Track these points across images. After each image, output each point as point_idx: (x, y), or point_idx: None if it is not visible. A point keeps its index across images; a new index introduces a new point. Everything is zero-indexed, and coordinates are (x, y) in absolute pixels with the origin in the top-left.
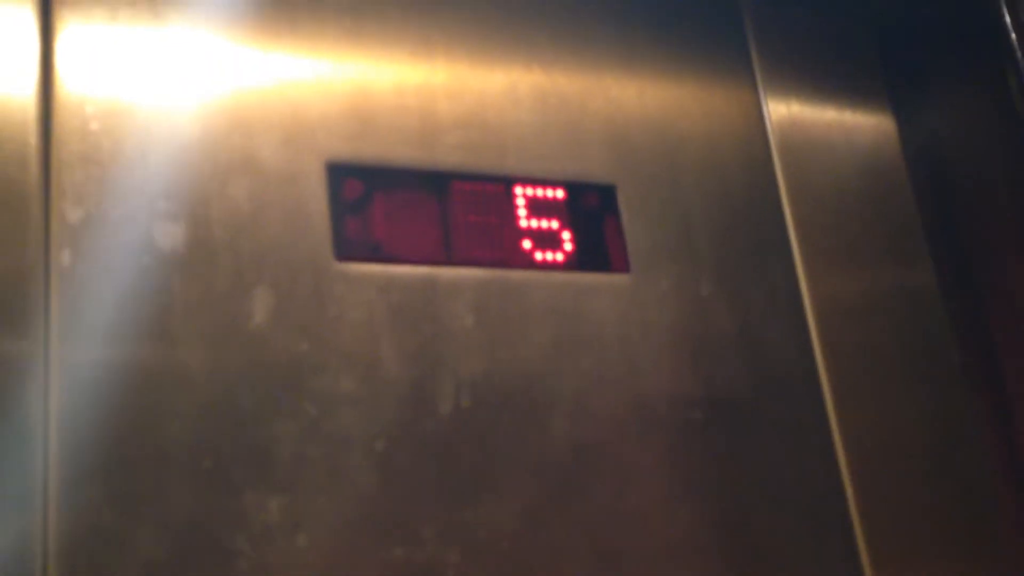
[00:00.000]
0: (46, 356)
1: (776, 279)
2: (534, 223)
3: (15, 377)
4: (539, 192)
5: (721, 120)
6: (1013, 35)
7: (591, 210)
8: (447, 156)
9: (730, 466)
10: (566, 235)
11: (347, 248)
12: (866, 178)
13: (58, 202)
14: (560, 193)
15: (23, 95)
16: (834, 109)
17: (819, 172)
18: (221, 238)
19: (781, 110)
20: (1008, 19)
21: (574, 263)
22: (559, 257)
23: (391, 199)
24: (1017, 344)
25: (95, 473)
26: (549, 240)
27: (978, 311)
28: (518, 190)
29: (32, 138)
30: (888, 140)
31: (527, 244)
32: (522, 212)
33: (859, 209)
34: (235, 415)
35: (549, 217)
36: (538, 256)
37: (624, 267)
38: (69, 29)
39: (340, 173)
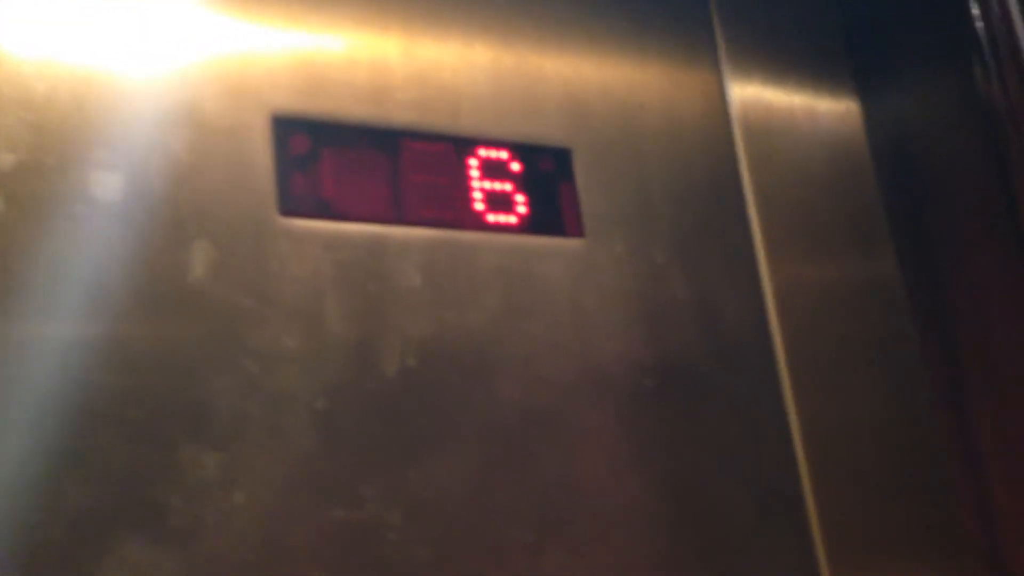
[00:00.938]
0: None
1: (734, 253)
2: (487, 184)
3: None
4: (492, 154)
5: (682, 95)
6: (979, 23)
7: (545, 173)
8: (399, 114)
9: (682, 435)
10: (519, 198)
11: (293, 204)
12: (830, 161)
13: None
14: (513, 155)
15: None
16: (798, 92)
17: (782, 153)
18: (160, 189)
19: (745, 90)
20: (974, 6)
21: (527, 226)
22: (512, 220)
23: (340, 156)
24: (977, 333)
25: (22, 428)
26: (502, 202)
27: (939, 299)
28: (471, 151)
29: None
30: (853, 125)
31: (479, 206)
32: (474, 173)
33: (822, 192)
34: (171, 369)
35: (502, 179)
36: (490, 218)
37: (578, 231)
38: None
39: (286, 127)
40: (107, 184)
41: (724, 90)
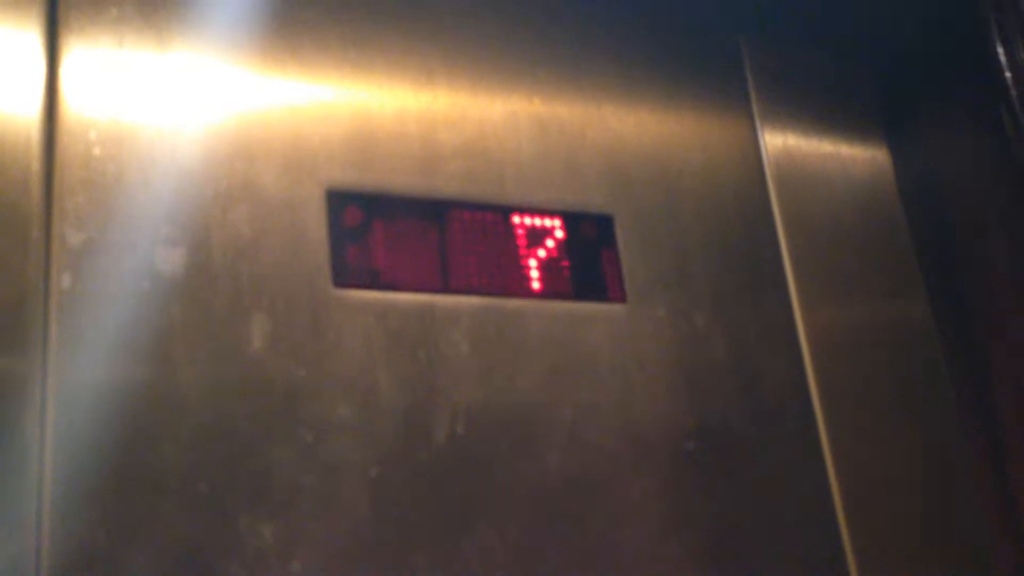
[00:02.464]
0: (43, 378)
1: (771, 310)
2: (532, 251)
3: (13, 398)
4: (537, 221)
5: (718, 152)
6: (1008, 73)
7: (588, 240)
8: (447, 184)
9: (723, 497)
10: (563, 264)
11: (346, 274)
12: (862, 211)
13: (59, 226)
14: (558, 223)
15: (27, 118)
16: (830, 143)
17: (815, 204)
18: (220, 263)
19: (777, 142)
20: (1002, 56)
21: (571, 292)
22: (556, 286)
23: (391, 227)
24: (1011, 377)
25: (90, 496)
26: (547, 269)
27: (972, 344)
28: (516, 219)
29: (35, 162)
30: (883, 174)
31: (525, 273)
32: (520, 241)
33: (855, 242)
34: (231, 440)
35: (547, 246)
36: (535, 285)
37: (620, 297)
38: (75, 53)
39: (340, 200)
40: (172, 259)
41: (758, 144)
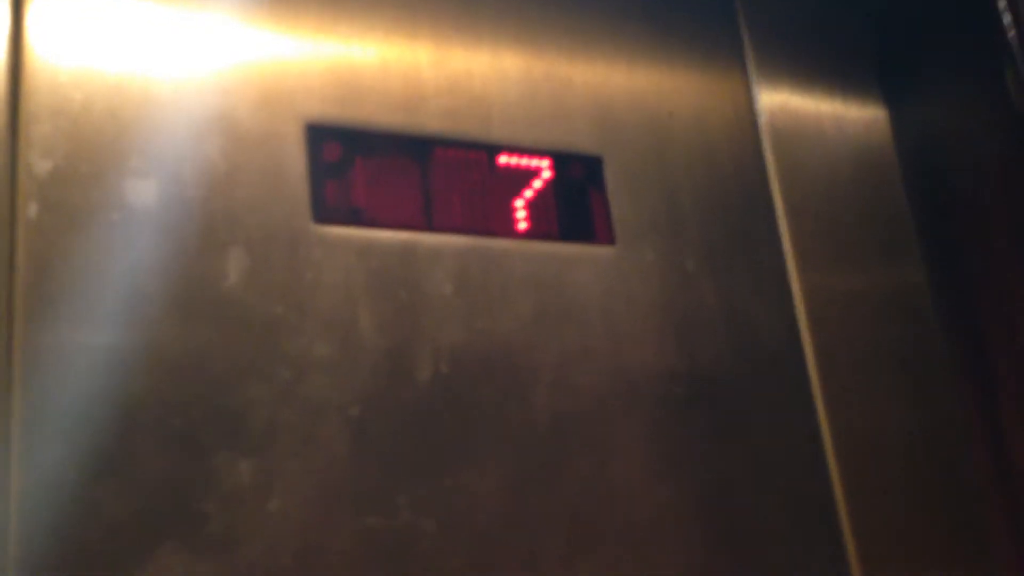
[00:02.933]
0: (9, 309)
1: (763, 261)
2: (518, 192)
3: None
4: (524, 161)
5: (711, 103)
6: (1012, 30)
7: (576, 181)
8: (430, 122)
9: (712, 443)
10: (551, 205)
11: (326, 211)
12: (858, 169)
13: (25, 154)
14: (546, 163)
15: None
16: (826, 99)
17: (810, 160)
18: (194, 196)
19: (772, 97)
20: (1006, 15)
21: (558, 233)
22: (543, 227)
23: (372, 164)
24: (1006, 340)
25: (58, 432)
26: (533, 210)
27: (967, 306)
28: (503, 159)
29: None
30: (880, 132)
31: (510, 213)
32: (506, 181)
33: (850, 199)
34: (206, 377)
35: (534, 187)
36: (521, 225)
37: (609, 239)
38: None
39: (320, 135)
40: (142, 191)
41: (752, 98)
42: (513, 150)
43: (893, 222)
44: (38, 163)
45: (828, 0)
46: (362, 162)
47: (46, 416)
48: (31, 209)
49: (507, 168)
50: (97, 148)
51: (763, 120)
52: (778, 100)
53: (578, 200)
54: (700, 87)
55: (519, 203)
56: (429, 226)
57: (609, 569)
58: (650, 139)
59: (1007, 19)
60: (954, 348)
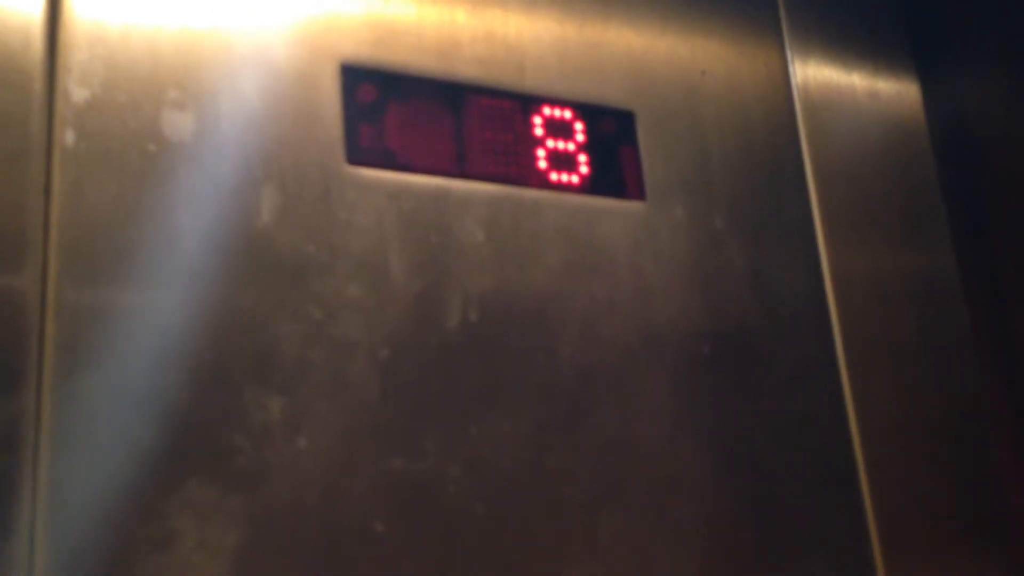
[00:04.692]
0: (45, 235)
1: (792, 226)
2: (550, 143)
3: (11, 255)
4: (556, 112)
5: (745, 65)
6: None
7: (608, 135)
8: (464, 68)
9: (736, 403)
10: (582, 158)
11: (359, 153)
12: (889, 140)
13: (63, 81)
14: (578, 116)
15: None
16: (859, 69)
17: (841, 129)
18: (229, 132)
19: (807, 64)
20: None
21: (589, 186)
22: (574, 179)
23: (406, 107)
24: None
25: (89, 360)
26: (565, 161)
27: (995, 285)
28: (535, 109)
29: (38, 14)
30: (912, 104)
31: (542, 164)
32: (538, 131)
33: (880, 170)
34: (237, 312)
35: (566, 138)
36: (553, 176)
37: (639, 194)
38: None
39: (355, 76)
40: (178, 124)
41: (787, 64)
42: (546, 101)
43: (922, 194)
44: (75, 91)
45: None
46: (396, 105)
47: (78, 343)
48: (68, 136)
49: (539, 119)
50: (134, 78)
51: (797, 86)
52: (812, 67)
53: (609, 155)
54: (734, 49)
55: (551, 155)
56: (461, 172)
57: (631, 519)
58: (683, 96)
59: None
60: (979, 323)
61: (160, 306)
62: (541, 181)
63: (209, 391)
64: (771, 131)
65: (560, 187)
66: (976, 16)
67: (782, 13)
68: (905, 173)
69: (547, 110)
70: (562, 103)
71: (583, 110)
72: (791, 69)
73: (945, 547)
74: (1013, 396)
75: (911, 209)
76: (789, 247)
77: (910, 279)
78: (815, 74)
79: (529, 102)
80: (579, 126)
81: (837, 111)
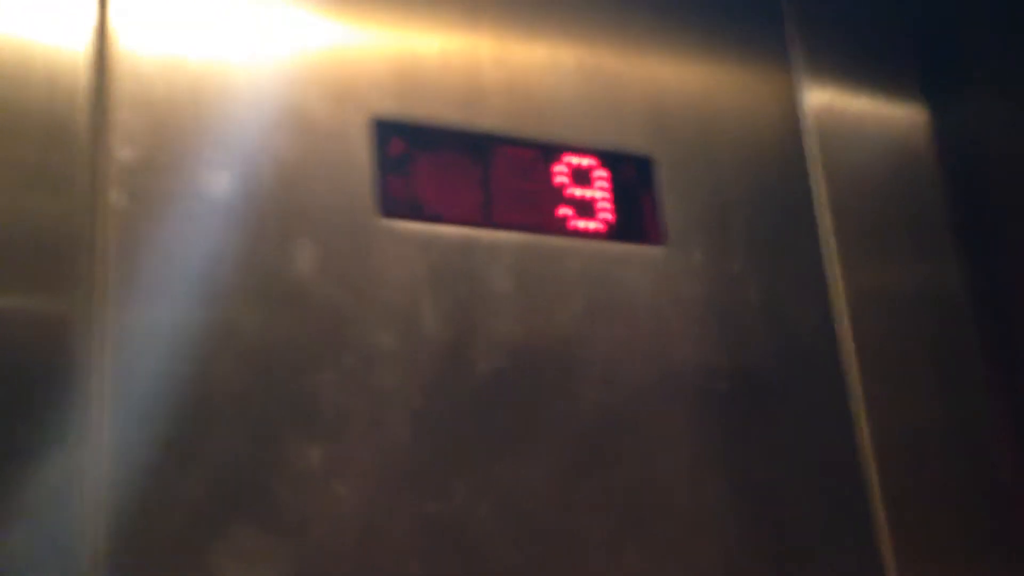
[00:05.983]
0: (91, 294)
1: (805, 260)
2: (573, 191)
3: (69, 323)
4: (578, 161)
5: (757, 101)
6: None
7: (629, 181)
8: (489, 120)
9: (753, 440)
10: (603, 204)
11: (390, 205)
12: (898, 168)
13: (110, 141)
14: (599, 163)
15: (80, 35)
16: (868, 98)
17: (852, 159)
18: (268, 188)
19: (817, 95)
20: None
21: (610, 233)
22: (596, 226)
23: (434, 159)
24: None
25: (145, 416)
26: (587, 208)
27: (1002, 307)
28: (558, 158)
29: (85, 75)
30: (921, 131)
31: (565, 211)
32: (561, 179)
33: (890, 198)
34: (278, 363)
35: (588, 185)
36: (576, 224)
37: (659, 239)
38: None
39: (385, 130)
40: (218, 182)
41: (797, 97)
42: (568, 150)
43: (931, 221)
44: (121, 151)
45: (871, 0)
46: (424, 157)
47: (129, 399)
48: (114, 196)
49: (562, 167)
50: (176, 138)
51: (807, 119)
52: (823, 99)
53: (630, 200)
54: (747, 86)
55: (573, 202)
56: (488, 222)
57: (654, 557)
58: (699, 139)
59: None
60: (989, 347)
61: (205, 358)
62: (564, 228)
63: (253, 442)
64: (784, 167)
65: (582, 234)
66: (983, 43)
67: (791, 46)
68: (914, 198)
69: (569, 158)
70: (584, 151)
71: (604, 157)
72: (802, 102)
73: (960, 567)
74: (1021, 409)
75: (920, 235)
76: (802, 283)
77: (921, 304)
78: (826, 105)
79: (552, 151)
80: (600, 173)
81: (847, 141)
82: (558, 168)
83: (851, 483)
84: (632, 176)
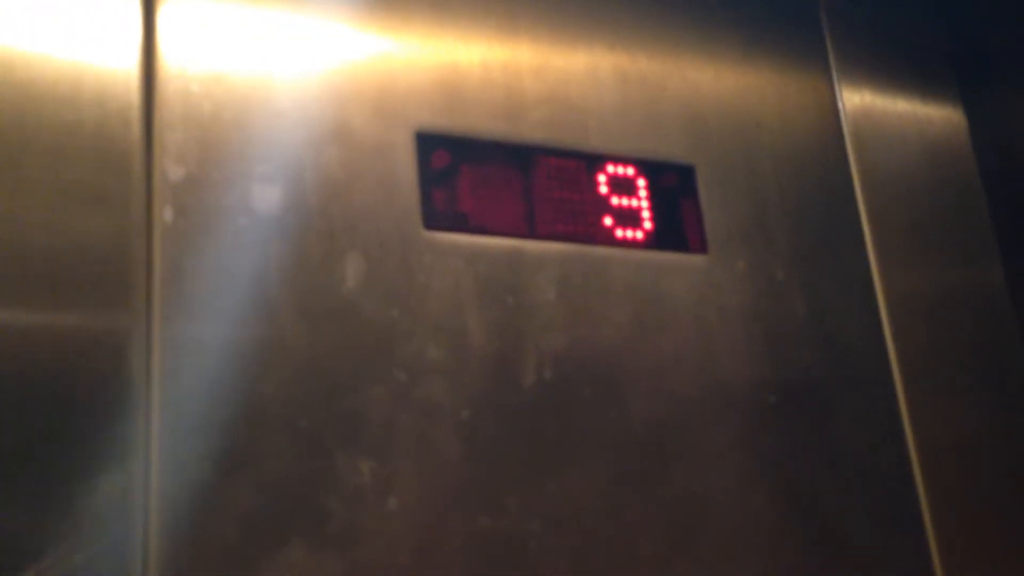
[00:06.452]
0: (148, 310)
1: (848, 267)
2: (615, 200)
3: (120, 339)
4: (620, 170)
5: (796, 107)
6: None
7: (670, 190)
8: (531, 131)
9: (802, 451)
10: (646, 214)
11: (435, 217)
12: (936, 170)
13: (160, 160)
14: (640, 172)
15: (128, 56)
16: (905, 100)
17: (891, 163)
18: (315, 203)
19: (855, 99)
20: None
21: (653, 242)
22: (639, 235)
23: (477, 171)
24: None
25: (195, 429)
26: (629, 218)
27: None
28: (600, 168)
29: (135, 96)
30: (958, 132)
31: (608, 221)
32: (603, 189)
33: (929, 202)
34: (328, 378)
35: (629, 195)
36: (619, 233)
37: (702, 248)
38: None
39: (429, 143)
40: (267, 197)
41: (836, 101)
42: (609, 159)
43: (971, 224)
44: (172, 169)
45: (907, 2)
46: (467, 169)
47: (181, 414)
48: (167, 213)
49: (604, 177)
50: (225, 155)
51: (846, 123)
52: (861, 103)
53: (672, 209)
54: (785, 91)
55: (615, 212)
56: (532, 233)
57: (703, 570)
58: (739, 147)
59: None
60: None
61: (256, 372)
62: (607, 238)
63: (303, 456)
64: (824, 172)
65: (626, 243)
66: (1018, 42)
67: (830, 50)
68: (953, 201)
69: (611, 168)
70: (625, 160)
71: (645, 166)
72: (840, 106)
73: None
74: None
75: (961, 238)
76: (846, 289)
77: (963, 308)
78: (864, 109)
79: (594, 161)
80: (642, 182)
81: (886, 144)
82: (599, 177)
83: (902, 493)
84: (673, 184)
